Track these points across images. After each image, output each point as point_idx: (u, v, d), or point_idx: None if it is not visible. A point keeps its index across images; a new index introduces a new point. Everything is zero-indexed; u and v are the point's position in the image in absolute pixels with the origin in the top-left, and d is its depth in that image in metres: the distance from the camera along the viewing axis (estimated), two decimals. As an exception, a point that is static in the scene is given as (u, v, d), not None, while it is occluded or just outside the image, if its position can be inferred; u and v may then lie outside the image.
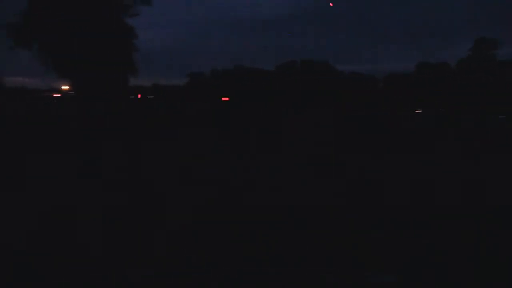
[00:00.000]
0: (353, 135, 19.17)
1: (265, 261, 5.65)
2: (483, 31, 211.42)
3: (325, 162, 12.80)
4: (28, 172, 10.62)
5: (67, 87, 57.46)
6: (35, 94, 68.51)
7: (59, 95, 63.46)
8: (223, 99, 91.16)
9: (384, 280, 5.13)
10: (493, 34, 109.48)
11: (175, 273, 5.47)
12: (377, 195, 9.49)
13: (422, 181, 11.05)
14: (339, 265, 5.63)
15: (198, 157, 13.29)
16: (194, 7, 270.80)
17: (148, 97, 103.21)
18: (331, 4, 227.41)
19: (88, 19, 34.66)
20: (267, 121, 26.66)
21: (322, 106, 65.11)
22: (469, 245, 6.39)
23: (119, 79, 49.11)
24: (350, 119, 30.15)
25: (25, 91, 69.07)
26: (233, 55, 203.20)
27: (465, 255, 6.04)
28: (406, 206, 8.80)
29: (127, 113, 30.01)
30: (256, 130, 21.56)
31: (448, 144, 18.53)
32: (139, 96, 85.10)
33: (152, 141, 14.61)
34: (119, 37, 39.28)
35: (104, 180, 9.78)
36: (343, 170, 11.74)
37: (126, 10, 33.54)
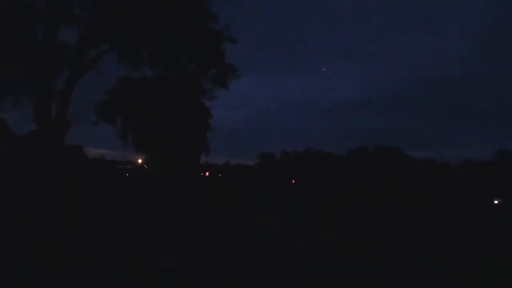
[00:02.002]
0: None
1: None
2: None
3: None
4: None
5: (141, 160, 59.85)
6: (112, 165, 72.47)
7: (132, 166, 66.14)
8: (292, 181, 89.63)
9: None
10: None
11: None
12: None
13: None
14: None
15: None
16: (268, 88, 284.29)
17: (219, 175, 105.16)
18: (323, 69, 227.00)
19: (169, 102, 35.85)
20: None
21: (393, 191, 60.73)
22: None
23: (191, 157, 49.99)
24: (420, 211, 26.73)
25: (104, 161, 73.94)
26: (305, 137, 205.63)
27: None
28: None
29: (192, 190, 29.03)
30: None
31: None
32: (207, 174, 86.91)
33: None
34: (196, 118, 40.26)
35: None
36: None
37: (205, 93, 34.19)
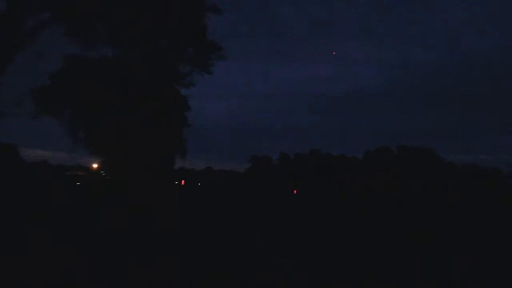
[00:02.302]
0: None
1: None
2: None
3: None
4: None
5: (96, 165, 59.00)
6: (58, 171, 70.98)
7: (85, 173, 65.10)
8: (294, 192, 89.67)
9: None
10: None
11: None
12: None
13: None
14: None
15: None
16: (263, 74, 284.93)
17: (199, 184, 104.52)
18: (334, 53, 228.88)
19: (134, 90, 35.29)
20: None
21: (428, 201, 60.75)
22: None
23: (163, 161, 49.61)
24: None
25: (46, 167, 71.04)
26: (309, 136, 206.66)
27: None
28: None
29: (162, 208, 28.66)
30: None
31: None
32: (182, 182, 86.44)
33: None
34: (170, 111, 39.71)
35: None
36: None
37: (181, 78, 33.83)
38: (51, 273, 10.11)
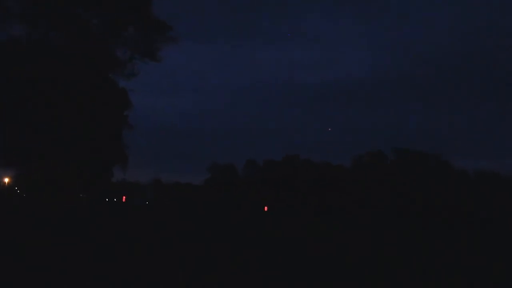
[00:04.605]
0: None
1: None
2: None
3: None
4: None
5: (8, 180, 57.98)
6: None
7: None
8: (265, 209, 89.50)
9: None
10: None
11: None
12: None
13: None
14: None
15: None
16: (226, 61, 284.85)
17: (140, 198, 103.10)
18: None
19: (57, 82, 34.41)
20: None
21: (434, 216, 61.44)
22: None
23: (98, 173, 48.59)
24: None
25: None
26: (283, 139, 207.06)
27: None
28: None
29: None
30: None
31: None
32: (123, 199, 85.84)
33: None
34: (105, 109, 38.75)
35: None
36: None
37: (119, 67, 33.20)
38: None
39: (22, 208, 38.80)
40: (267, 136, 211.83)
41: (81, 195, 66.29)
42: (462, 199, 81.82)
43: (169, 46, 27.55)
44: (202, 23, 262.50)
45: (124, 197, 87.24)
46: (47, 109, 34.06)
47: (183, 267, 16.88)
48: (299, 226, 46.66)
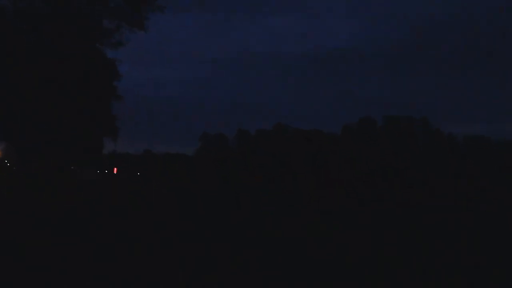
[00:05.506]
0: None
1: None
2: None
3: None
4: None
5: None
6: None
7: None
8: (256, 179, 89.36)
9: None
10: None
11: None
12: None
13: None
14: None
15: None
16: (216, 32, 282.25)
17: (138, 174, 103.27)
18: None
19: (42, 52, 34.07)
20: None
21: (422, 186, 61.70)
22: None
23: (88, 145, 48.46)
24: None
25: None
26: (274, 109, 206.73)
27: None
28: None
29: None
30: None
31: None
32: (114, 170, 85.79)
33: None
34: (93, 80, 38.48)
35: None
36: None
37: (106, 36, 32.85)
38: None
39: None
40: (258, 106, 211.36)
41: (72, 168, 66.25)
42: (449, 161, 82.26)
43: (157, 15, 27.10)
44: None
45: (115, 169, 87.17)
46: (39, 81, 33.83)
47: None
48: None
